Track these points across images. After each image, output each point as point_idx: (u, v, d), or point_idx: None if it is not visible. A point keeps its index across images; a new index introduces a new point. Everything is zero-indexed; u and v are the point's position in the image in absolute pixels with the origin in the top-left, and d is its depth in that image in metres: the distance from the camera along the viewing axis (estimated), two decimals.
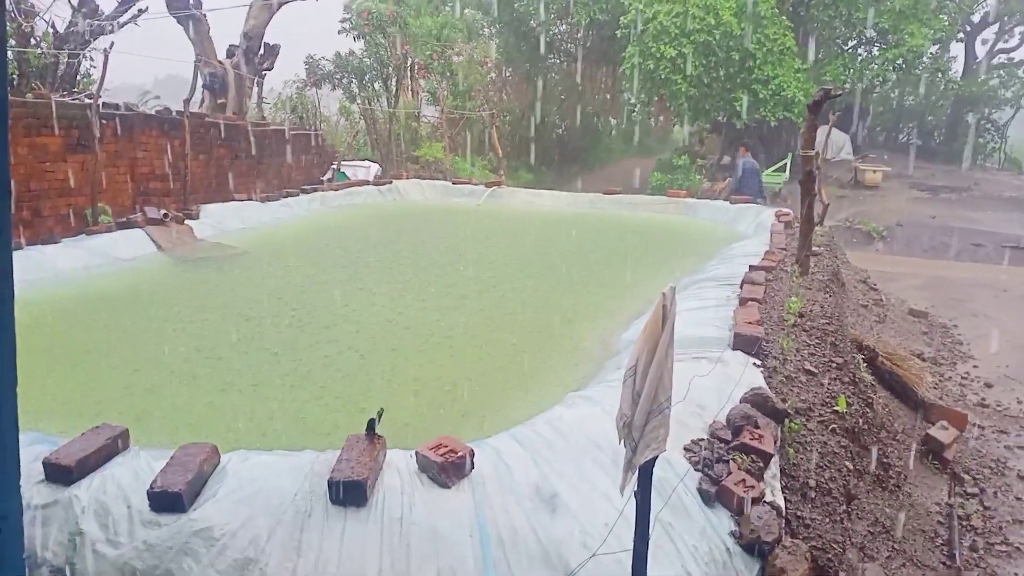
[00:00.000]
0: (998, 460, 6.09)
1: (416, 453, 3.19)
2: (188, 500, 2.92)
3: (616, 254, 10.14)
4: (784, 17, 18.77)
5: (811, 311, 6.00)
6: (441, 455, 3.11)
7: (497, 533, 2.88)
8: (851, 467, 4.27)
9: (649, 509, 2.47)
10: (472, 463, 3.16)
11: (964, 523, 4.85)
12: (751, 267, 7.03)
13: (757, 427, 3.77)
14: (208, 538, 2.80)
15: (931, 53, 21.46)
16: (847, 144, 24.63)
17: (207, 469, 3.09)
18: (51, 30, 11.71)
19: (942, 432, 5.89)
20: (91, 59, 12.22)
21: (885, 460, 4.97)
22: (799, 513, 3.61)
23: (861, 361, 6.40)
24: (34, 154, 8.77)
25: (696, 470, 3.39)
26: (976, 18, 29.56)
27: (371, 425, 3.23)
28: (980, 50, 30.61)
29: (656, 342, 2.29)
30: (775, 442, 3.76)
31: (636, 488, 2.44)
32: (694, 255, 9.25)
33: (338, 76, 20.82)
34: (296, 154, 14.99)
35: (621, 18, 19.46)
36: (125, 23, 12.80)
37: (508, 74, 26.03)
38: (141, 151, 10.59)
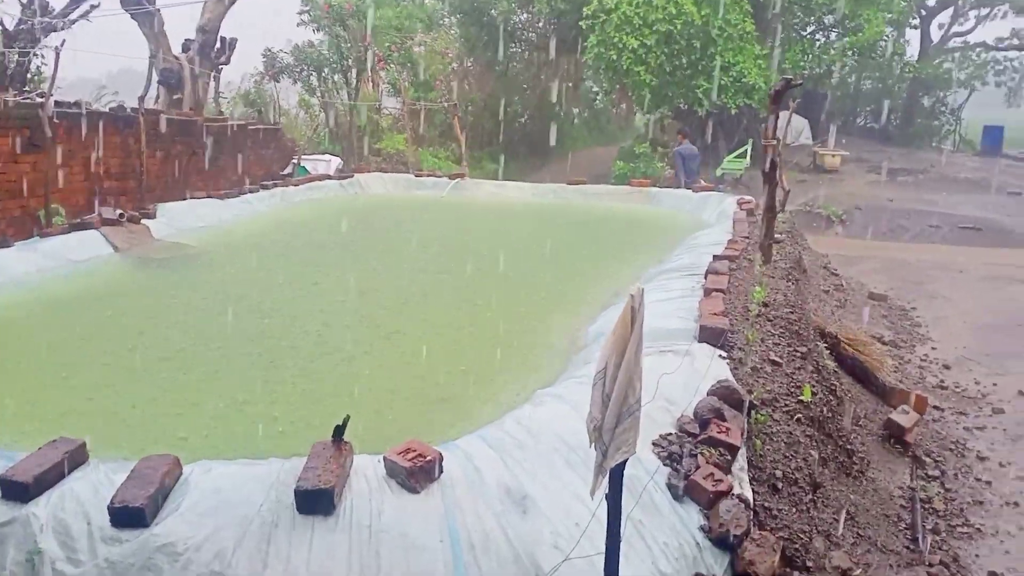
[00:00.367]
0: (957, 441, 6.22)
1: (384, 458, 3.15)
2: (150, 515, 2.84)
3: (581, 245, 10.15)
4: (745, 2, 18.87)
5: (775, 300, 6.05)
6: (409, 460, 3.07)
7: (468, 537, 2.86)
8: (816, 455, 4.33)
9: (620, 511, 2.47)
10: (441, 467, 3.13)
11: (926, 506, 4.94)
12: (715, 257, 7.06)
13: (724, 420, 3.80)
14: (172, 553, 2.73)
15: (887, 35, 21.73)
16: (806, 129, 24.99)
17: (169, 482, 3.02)
18: (0, 28, 11.38)
19: (903, 416, 5.99)
20: (42, 57, 11.91)
21: (849, 447, 5.04)
22: (766, 504, 3.65)
23: (824, 348, 6.48)
24: None
25: (665, 465, 3.41)
26: (932, 1, 30.03)
27: (338, 431, 3.18)
28: (936, 34, 31.18)
29: (625, 344, 2.28)
30: (742, 434, 3.79)
31: (607, 491, 2.44)
32: (658, 245, 9.29)
33: (297, 69, 20.56)
34: (255, 149, 14.76)
35: (584, 8, 19.42)
36: (76, 20, 12.48)
37: (470, 64, 25.85)
38: (95, 150, 10.33)
